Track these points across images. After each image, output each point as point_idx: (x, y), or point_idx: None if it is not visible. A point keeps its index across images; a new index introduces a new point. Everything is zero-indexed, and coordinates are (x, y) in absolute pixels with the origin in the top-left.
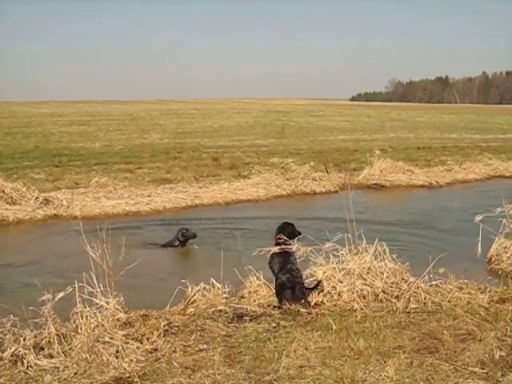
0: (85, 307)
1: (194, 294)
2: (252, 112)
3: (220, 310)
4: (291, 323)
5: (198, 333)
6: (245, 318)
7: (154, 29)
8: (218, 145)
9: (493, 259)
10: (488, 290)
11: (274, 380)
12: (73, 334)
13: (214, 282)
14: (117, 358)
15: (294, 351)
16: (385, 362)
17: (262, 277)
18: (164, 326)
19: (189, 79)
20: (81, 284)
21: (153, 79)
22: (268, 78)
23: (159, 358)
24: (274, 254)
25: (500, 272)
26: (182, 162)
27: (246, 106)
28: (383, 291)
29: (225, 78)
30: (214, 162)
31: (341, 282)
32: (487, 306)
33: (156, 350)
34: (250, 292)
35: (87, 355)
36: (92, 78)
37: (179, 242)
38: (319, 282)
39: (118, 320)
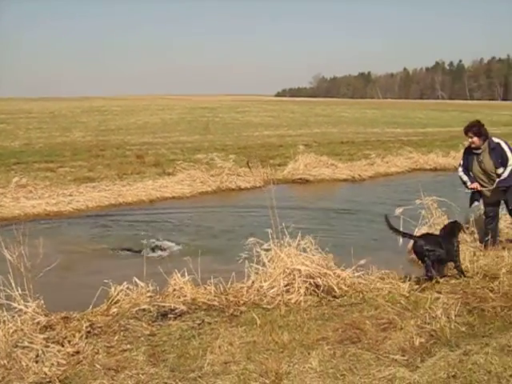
0: (2, 312)
1: (118, 294)
2: (177, 108)
3: (144, 309)
4: (216, 319)
5: (122, 333)
6: (169, 316)
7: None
8: (142, 142)
9: None
10: (408, 279)
11: (199, 377)
12: None
13: (137, 280)
14: (37, 362)
15: (219, 347)
16: (308, 353)
17: (186, 274)
18: (86, 327)
19: (111, 76)
20: None
21: (74, 76)
22: (193, 74)
23: (81, 361)
24: None
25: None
26: (105, 159)
27: (170, 103)
28: (307, 284)
29: (148, 74)
30: (138, 159)
31: (265, 278)
32: (407, 295)
33: (78, 352)
34: (174, 290)
35: (5, 361)
36: (9, 74)
37: None
38: None
39: (38, 323)
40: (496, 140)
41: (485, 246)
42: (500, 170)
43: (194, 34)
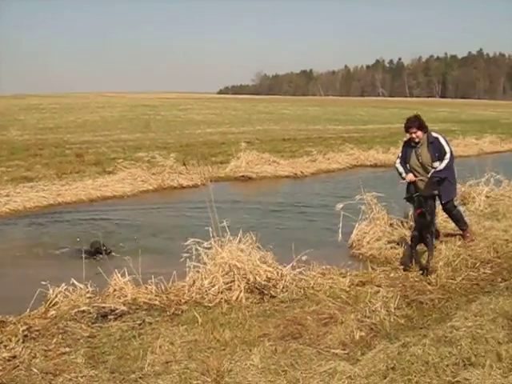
0: None
1: (56, 296)
2: (118, 106)
3: (83, 311)
4: (157, 319)
5: (60, 336)
6: (109, 317)
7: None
8: (82, 140)
9: (354, 244)
10: (349, 274)
11: (140, 378)
12: None
13: (76, 282)
14: None
15: (160, 347)
16: (250, 350)
17: (127, 274)
18: (23, 331)
19: (49, 73)
20: None
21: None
22: (134, 72)
23: (18, 366)
24: None
25: (360, 256)
26: (44, 159)
27: (111, 100)
28: (248, 281)
29: (88, 72)
30: (78, 158)
31: (205, 276)
32: (348, 289)
33: (14, 357)
34: (115, 290)
35: None
36: None
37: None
38: None
39: None
40: (435, 134)
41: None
42: (436, 164)
43: (136, 30)
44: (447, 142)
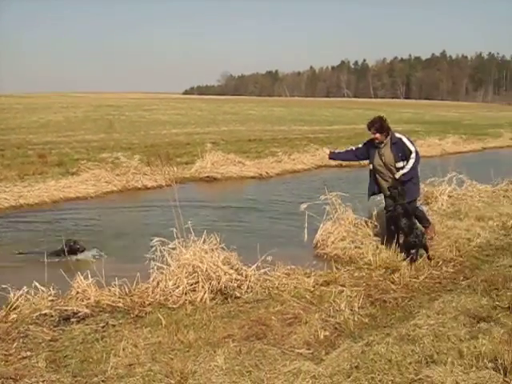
0: None
1: (17, 299)
2: (81, 106)
3: (45, 314)
4: (120, 321)
5: (21, 340)
6: (72, 320)
7: None
8: (45, 141)
9: (318, 244)
10: (313, 274)
11: (102, 381)
12: None
13: (38, 284)
14: None
15: (123, 350)
16: (214, 352)
17: (89, 276)
18: None
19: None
20: None
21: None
22: (98, 71)
23: None
24: None
25: (325, 256)
26: (5, 159)
27: (74, 100)
28: (212, 282)
29: (52, 71)
30: (41, 159)
31: (169, 278)
32: (312, 289)
33: None
34: (77, 293)
35: None
36: None
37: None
38: None
39: None
40: (398, 135)
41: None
42: (400, 164)
43: (101, 29)
44: (411, 142)
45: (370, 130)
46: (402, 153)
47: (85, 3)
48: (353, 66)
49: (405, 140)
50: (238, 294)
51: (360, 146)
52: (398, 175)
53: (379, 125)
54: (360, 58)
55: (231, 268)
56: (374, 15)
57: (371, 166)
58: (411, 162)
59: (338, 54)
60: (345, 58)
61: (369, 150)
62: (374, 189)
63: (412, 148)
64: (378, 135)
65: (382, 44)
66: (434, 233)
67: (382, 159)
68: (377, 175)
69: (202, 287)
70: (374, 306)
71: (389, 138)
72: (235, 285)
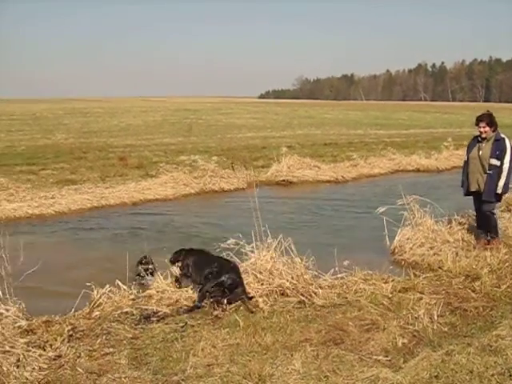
0: None
1: (100, 297)
2: (160, 110)
3: (126, 312)
4: (199, 322)
5: (104, 336)
6: (152, 318)
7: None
8: (125, 144)
9: (396, 250)
10: (391, 280)
11: (182, 380)
12: None
13: (120, 283)
14: (18, 367)
15: (202, 350)
16: (292, 355)
17: (169, 276)
18: (68, 331)
19: (92, 77)
20: None
21: (55, 77)
22: (176, 76)
23: (63, 365)
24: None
25: (403, 262)
26: (88, 162)
27: (153, 105)
28: (289, 287)
29: (132, 76)
30: (121, 161)
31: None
32: (390, 295)
33: (60, 356)
34: (157, 292)
35: None
36: None
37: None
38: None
39: (19, 328)
40: (502, 135)
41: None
42: (493, 161)
43: (177, 35)
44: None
45: (478, 124)
46: (500, 151)
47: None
48: (430, 69)
49: (507, 142)
50: (315, 299)
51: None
52: (499, 189)
53: (490, 119)
54: (438, 60)
55: (308, 272)
56: (452, 16)
57: (466, 158)
58: (503, 179)
59: (415, 57)
60: (422, 60)
61: (471, 144)
62: (466, 185)
63: (508, 152)
64: (487, 129)
65: (461, 46)
66: (497, 247)
67: (479, 152)
68: (468, 168)
69: (279, 290)
70: (453, 314)
71: (494, 134)
72: (312, 289)
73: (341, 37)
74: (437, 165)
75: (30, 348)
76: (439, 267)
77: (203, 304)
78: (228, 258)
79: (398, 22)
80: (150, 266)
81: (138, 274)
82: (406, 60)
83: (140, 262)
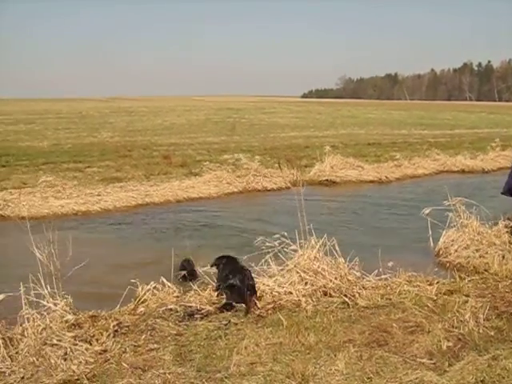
0: (32, 310)
1: (145, 293)
2: (203, 109)
3: (171, 309)
4: (242, 320)
5: (149, 332)
6: (196, 316)
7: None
8: (169, 142)
9: (441, 252)
10: (436, 282)
11: (225, 377)
12: (19, 337)
13: (165, 280)
14: (65, 360)
15: (245, 348)
16: (335, 355)
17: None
18: (114, 326)
19: (138, 77)
20: (27, 286)
21: (102, 77)
22: (219, 75)
23: (109, 359)
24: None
25: (448, 264)
26: (133, 160)
27: (197, 104)
28: (332, 287)
29: (176, 76)
30: (165, 159)
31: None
32: (435, 298)
33: (105, 350)
34: (201, 290)
35: (34, 359)
36: (37, 75)
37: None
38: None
39: (67, 322)
40: None
41: None
42: None
43: (219, 34)
44: None
45: None
46: None
47: None
48: (476, 68)
49: None
50: (358, 299)
51: None
52: None
53: None
54: (484, 59)
55: (352, 273)
56: (499, 13)
57: None
58: None
59: (460, 56)
60: (467, 59)
61: None
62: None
63: None
64: None
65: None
66: None
67: None
68: None
69: (323, 290)
70: (500, 318)
71: None
72: (356, 289)
73: (384, 36)
74: (482, 166)
75: (77, 342)
76: (485, 270)
77: (232, 302)
78: (270, 258)
79: (442, 19)
80: (191, 270)
81: (182, 277)
82: (451, 59)
83: (182, 266)
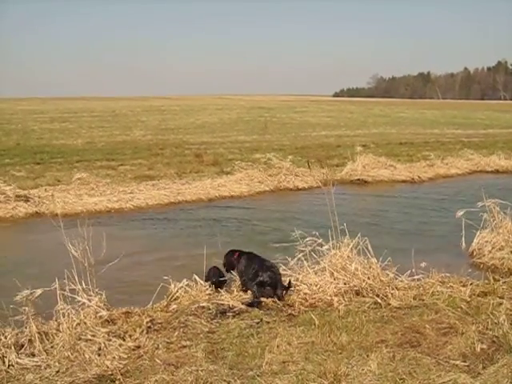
0: (67, 305)
1: (177, 291)
2: (235, 108)
3: (203, 307)
4: (274, 319)
5: (181, 329)
6: (228, 314)
7: (134, 26)
8: (201, 141)
9: (475, 253)
10: (470, 283)
11: (257, 375)
12: (55, 332)
13: (197, 278)
14: (99, 355)
15: (277, 347)
16: (367, 356)
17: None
18: (147, 322)
19: (171, 76)
20: (63, 281)
21: (134, 76)
22: (251, 74)
23: (142, 355)
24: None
25: (482, 266)
26: (165, 158)
27: (228, 102)
28: (365, 287)
29: (207, 74)
30: (197, 158)
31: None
32: (469, 299)
33: (139, 347)
34: (233, 288)
35: (69, 353)
36: (73, 74)
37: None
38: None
39: (101, 317)
40: None
41: None
42: None
43: (251, 35)
44: None
45: None
46: None
47: None
48: (510, 67)
49: None
50: (391, 300)
51: None
52: None
53: None
54: None
55: (384, 273)
56: None
57: None
58: None
59: (494, 54)
60: (502, 58)
61: None
62: None
63: None
64: None
65: None
66: None
67: None
68: None
69: (358, 292)
70: None
71: None
72: (388, 290)
73: (416, 34)
74: None
75: (111, 338)
76: None
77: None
78: (305, 254)
79: (476, 17)
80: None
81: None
82: (485, 57)
83: (207, 277)
